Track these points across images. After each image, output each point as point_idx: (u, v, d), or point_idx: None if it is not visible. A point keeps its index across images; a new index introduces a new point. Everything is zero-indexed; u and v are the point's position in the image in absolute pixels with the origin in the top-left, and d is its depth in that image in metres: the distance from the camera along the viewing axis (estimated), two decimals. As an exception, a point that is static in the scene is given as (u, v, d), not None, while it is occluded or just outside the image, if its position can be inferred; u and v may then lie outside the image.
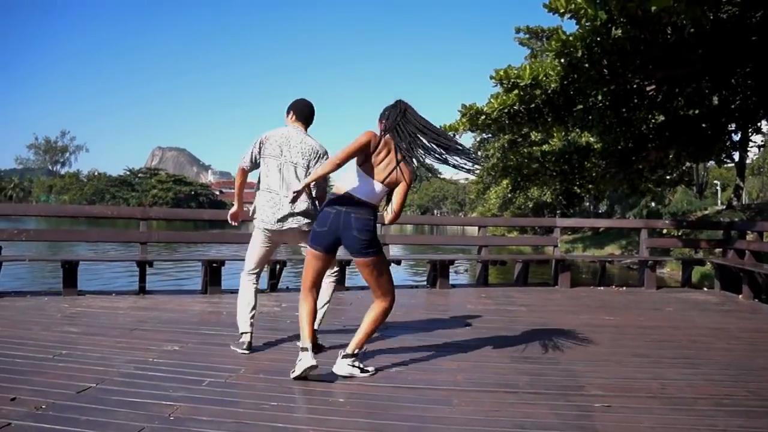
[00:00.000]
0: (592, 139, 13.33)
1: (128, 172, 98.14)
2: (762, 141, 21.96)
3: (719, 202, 33.87)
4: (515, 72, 9.59)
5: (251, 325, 4.30)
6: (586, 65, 9.06)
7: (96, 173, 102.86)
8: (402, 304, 6.77)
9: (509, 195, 31.19)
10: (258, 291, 4.44)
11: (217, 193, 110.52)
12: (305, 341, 3.59)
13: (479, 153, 43.43)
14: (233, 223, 4.79)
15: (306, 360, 3.50)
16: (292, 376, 3.53)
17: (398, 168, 3.59)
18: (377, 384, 3.58)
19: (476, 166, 3.67)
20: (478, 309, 6.55)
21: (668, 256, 11.34)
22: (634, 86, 10.69)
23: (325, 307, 4.31)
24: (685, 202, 26.83)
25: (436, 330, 5.26)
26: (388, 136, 3.58)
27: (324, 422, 2.93)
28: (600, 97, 10.68)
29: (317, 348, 4.05)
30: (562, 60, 9.13)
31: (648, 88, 10.79)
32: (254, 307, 4.34)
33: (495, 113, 10.09)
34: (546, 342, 4.83)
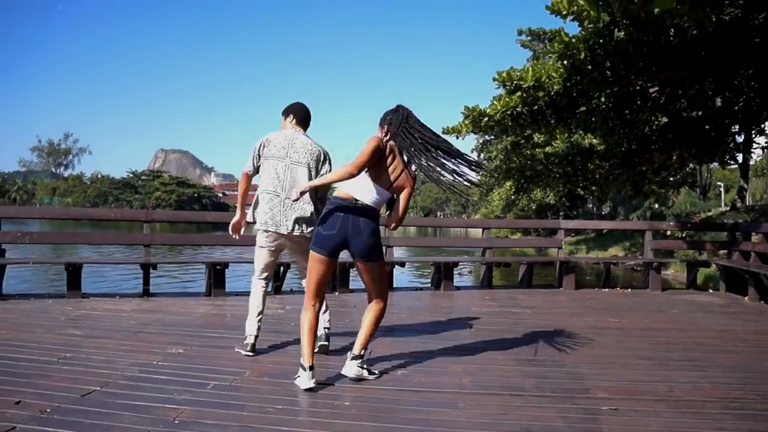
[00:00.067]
0: (595, 141, 13.29)
1: (131, 175, 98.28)
2: (765, 142, 21.89)
3: (723, 203, 33.76)
4: (518, 74, 9.58)
5: (257, 328, 4.29)
6: (589, 67, 9.06)
7: (99, 175, 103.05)
8: (406, 306, 6.80)
9: (512, 197, 31.13)
10: (267, 295, 4.43)
11: (220, 195, 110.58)
12: (305, 359, 3.48)
13: (481, 159, 43.52)
14: (235, 236, 4.63)
15: (304, 381, 3.43)
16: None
17: (403, 173, 3.60)
18: (382, 387, 3.57)
19: (478, 175, 3.68)
20: (483, 311, 6.54)
21: (672, 258, 11.29)
22: (637, 88, 10.68)
23: (327, 313, 4.30)
24: (689, 204, 26.76)
25: (440, 332, 5.25)
26: (392, 141, 3.57)
27: (329, 426, 2.92)
28: (603, 99, 10.67)
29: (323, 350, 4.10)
30: (565, 62, 9.13)
31: (651, 90, 10.79)
32: (261, 312, 4.33)
33: (498, 115, 10.09)
34: (551, 344, 4.81)
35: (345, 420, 2.99)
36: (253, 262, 4.46)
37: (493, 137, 35.56)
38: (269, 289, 7.35)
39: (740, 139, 14.65)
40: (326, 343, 4.31)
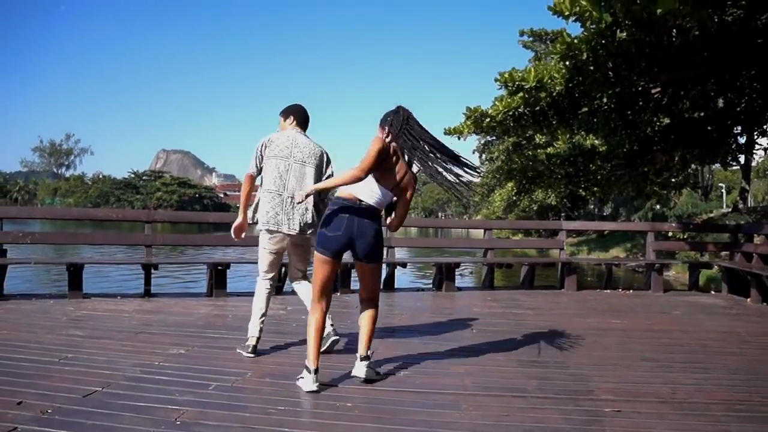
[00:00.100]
0: (597, 142, 13.27)
1: (133, 175, 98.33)
2: (768, 144, 21.86)
3: (724, 204, 33.72)
4: (520, 75, 9.56)
5: (260, 330, 4.28)
6: (591, 68, 9.04)
7: (101, 176, 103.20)
8: (408, 307, 6.79)
9: (514, 198, 31.10)
10: (271, 296, 4.41)
11: (222, 195, 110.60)
12: (310, 361, 3.46)
13: (482, 160, 43.45)
14: (235, 238, 4.58)
15: (307, 383, 3.42)
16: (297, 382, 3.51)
17: (406, 175, 3.60)
18: (384, 388, 3.55)
19: (475, 179, 3.69)
20: (485, 312, 6.53)
21: (674, 259, 11.27)
22: (639, 89, 10.66)
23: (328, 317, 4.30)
24: (691, 205, 26.71)
25: (442, 333, 5.24)
26: (394, 143, 3.56)
27: (331, 427, 2.91)
28: (605, 100, 10.65)
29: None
30: (567, 63, 9.10)
31: (653, 91, 10.76)
32: (264, 313, 4.32)
33: (500, 116, 10.06)
34: (553, 346, 4.80)
35: (347, 421, 2.98)
36: (255, 263, 4.45)
37: (494, 138, 35.58)
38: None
39: (742, 140, 14.62)
40: (337, 337, 4.34)
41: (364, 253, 3.57)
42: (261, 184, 4.35)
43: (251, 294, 4.44)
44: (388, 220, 3.74)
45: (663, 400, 3.47)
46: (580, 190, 15.71)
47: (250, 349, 4.20)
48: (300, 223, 4.24)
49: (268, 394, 3.36)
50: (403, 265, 8.47)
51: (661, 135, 11.75)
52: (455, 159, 3.61)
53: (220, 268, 7.16)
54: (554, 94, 9.62)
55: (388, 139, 3.54)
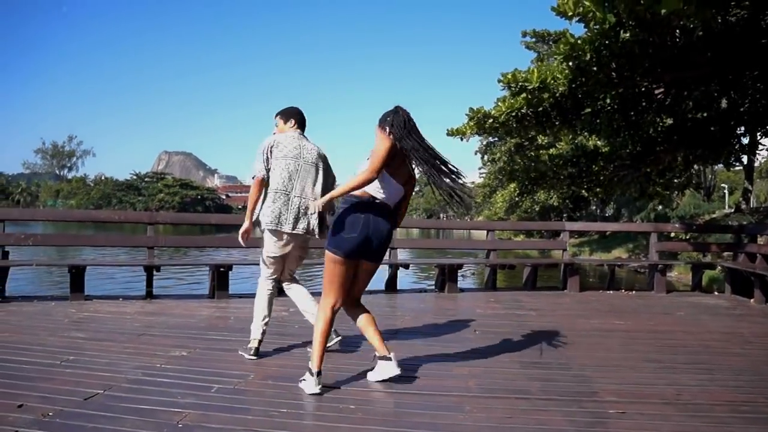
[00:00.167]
0: (599, 143, 13.27)
1: (135, 177, 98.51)
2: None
3: (727, 205, 33.68)
4: (523, 75, 9.55)
5: (262, 333, 4.26)
6: (595, 68, 9.03)
7: (103, 177, 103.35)
8: (411, 308, 6.78)
9: (516, 199, 31.07)
10: (273, 297, 4.39)
11: (224, 197, 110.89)
12: (314, 363, 3.43)
13: (485, 161, 43.30)
14: (244, 243, 4.46)
15: (310, 385, 3.40)
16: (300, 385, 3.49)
17: (411, 170, 3.60)
18: (387, 390, 3.54)
19: (464, 192, 3.67)
20: (487, 313, 6.51)
21: (677, 260, 11.25)
22: (643, 89, 10.65)
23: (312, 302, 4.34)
24: (693, 206, 26.71)
25: (445, 335, 5.21)
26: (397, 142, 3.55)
27: (334, 429, 2.89)
28: (608, 101, 10.65)
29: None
30: (570, 63, 9.10)
31: (656, 92, 10.75)
32: (267, 315, 4.30)
33: (502, 117, 10.06)
34: (557, 347, 4.78)
35: (350, 424, 2.96)
36: (257, 264, 4.43)
37: (496, 139, 35.58)
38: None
39: (746, 140, 14.61)
40: (340, 337, 4.38)
41: (375, 253, 3.57)
42: (267, 184, 4.32)
43: (253, 296, 4.42)
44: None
45: (667, 401, 3.45)
46: (583, 191, 15.71)
47: (252, 351, 4.18)
48: (305, 224, 4.24)
49: (270, 397, 3.35)
50: (406, 266, 8.45)
51: (664, 135, 11.75)
52: (445, 164, 3.60)
53: (222, 269, 7.15)
54: (557, 94, 9.62)
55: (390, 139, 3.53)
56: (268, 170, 4.25)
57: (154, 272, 7.34)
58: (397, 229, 4.31)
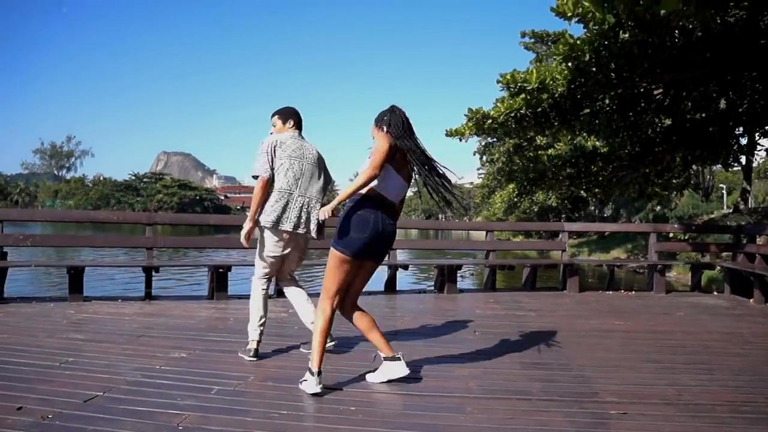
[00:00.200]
0: (598, 143, 13.27)
1: (133, 177, 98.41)
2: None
3: (725, 205, 33.70)
4: (522, 76, 9.54)
5: (260, 333, 4.25)
6: (594, 69, 9.02)
7: (101, 178, 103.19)
8: (410, 309, 6.77)
9: (515, 199, 31.09)
10: (268, 296, 4.38)
11: (222, 197, 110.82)
12: (314, 363, 3.41)
13: (483, 162, 43.35)
14: (246, 245, 4.39)
15: (311, 385, 3.38)
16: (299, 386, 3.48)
17: (410, 169, 3.62)
18: (388, 392, 3.53)
19: (455, 195, 3.74)
20: (487, 314, 6.50)
21: (676, 260, 11.25)
22: (642, 90, 10.65)
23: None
24: (691, 206, 26.71)
25: (445, 336, 5.21)
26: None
27: (334, 431, 2.88)
28: (607, 101, 10.65)
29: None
30: (570, 64, 9.09)
31: (655, 92, 10.76)
32: (264, 315, 4.29)
33: (501, 117, 10.05)
34: (557, 348, 4.78)
35: (351, 425, 2.95)
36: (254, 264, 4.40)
37: (495, 140, 35.57)
38: (271, 291, 7.35)
39: (744, 141, 14.62)
40: (335, 341, 4.36)
41: (380, 253, 3.60)
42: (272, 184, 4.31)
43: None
44: None
45: (668, 401, 3.45)
46: (582, 192, 15.71)
47: (251, 353, 4.17)
48: (306, 223, 4.25)
49: (270, 398, 3.34)
50: (405, 267, 8.45)
51: (662, 136, 11.75)
52: (436, 167, 3.66)
53: (221, 270, 7.14)
54: (556, 95, 9.61)
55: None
56: (273, 170, 4.23)
57: (153, 273, 7.32)
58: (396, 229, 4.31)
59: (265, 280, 4.35)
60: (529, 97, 9.66)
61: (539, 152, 18.23)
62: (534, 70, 9.55)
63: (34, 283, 11.06)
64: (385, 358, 3.66)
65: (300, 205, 4.22)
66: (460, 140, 11.02)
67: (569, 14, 7.93)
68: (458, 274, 8.34)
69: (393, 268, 8.17)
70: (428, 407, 3.26)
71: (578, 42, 8.67)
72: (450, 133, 11.02)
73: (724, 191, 41.48)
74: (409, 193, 4.00)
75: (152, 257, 7.34)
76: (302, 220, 4.23)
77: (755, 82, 11.03)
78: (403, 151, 3.52)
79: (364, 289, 3.81)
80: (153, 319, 5.74)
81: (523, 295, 8.17)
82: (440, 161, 3.66)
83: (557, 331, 5.47)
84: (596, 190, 14.10)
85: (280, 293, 7.42)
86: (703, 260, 11.49)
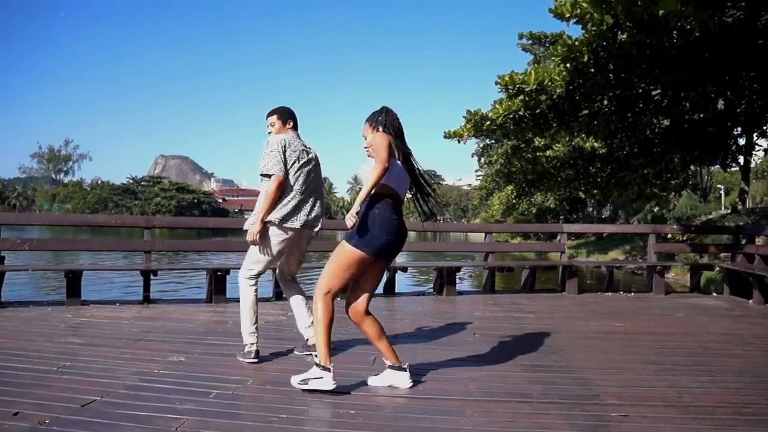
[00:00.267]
0: (597, 145, 13.28)
1: (131, 181, 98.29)
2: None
3: (723, 206, 33.76)
4: (520, 77, 9.55)
5: (257, 336, 4.22)
6: (592, 70, 9.03)
7: (99, 182, 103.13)
8: (409, 311, 6.75)
9: (513, 201, 31.12)
10: (258, 297, 4.35)
11: (220, 200, 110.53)
12: (324, 358, 3.41)
13: (482, 163, 43.52)
14: (258, 244, 4.25)
15: (327, 382, 3.37)
16: (301, 388, 3.45)
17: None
18: (387, 395, 3.51)
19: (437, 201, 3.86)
20: (486, 316, 6.49)
21: (674, 261, 11.25)
22: (640, 91, 10.66)
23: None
24: (690, 207, 26.77)
25: (444, 338, 5.19)
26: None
27: (334, 435, 2.87)
28: (605, 102, 10.65)
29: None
30: (568, 65, 9.09)
31: (654, 93, 10.77)
32: (256, 316, 4.27)
33: (500, 119, 10.06)
34: (556, 349, 4.76)
35: (350, 429, 2.93)
36: None
37: (493, 141, 35.60)
38: (270, 294, 7.34)
39: (742, 141, 14.64)
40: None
41: (396, 251, 3.63)
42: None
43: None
44: None
45: (669, 403, 3.43)
46: (580, 193, 15.72)
47: (252, 355, 4.15)
48: (314, 221, 4.30)
49: (269, 402, 3.31)
50: (404, 269, 8.43)
51: (661, 137, 11.76)
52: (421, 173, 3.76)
53: (219, 273, 7.12)
54: (554, 96, 9.61)
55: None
56: (287, 170, 4.19)
57: (152, 277, 7.29)
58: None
59: (255, 280, 4.30)
60: (527, 99, 9.66)
61: (538, 154, 18.26)
62: (532, 72, 9.56)
63: (32, 287, 11.03)
64: (390, 367, 3.64)
65: (310, 204, 4.26)
66: (459, 142, 11.04)
67: (567, 15, 7.93)
68: (457, 276, 8.33)
69: (392, 271, 8.15)
70: (428, 410, 3.24)
71: (576, 43, 8.68)
72: (448, 135, 11.03)
73: (722, 192, 41.56)
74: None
75: (150, 261, 7.31)
76: (311, 219, 4.26)
77: (753, 83, 11.05)
78: (400, 152, 3.54)
79: (375, 289, 3.79)
80: (151, 322, 5.71)
81: (522, 296, 8.16)
82: (435, 165, 3.69)
83: (557, 333, 5.46)
84: (595, 191, 14.13)
85: (278, 296, 7.42)
86: (702, 261, 11.48)
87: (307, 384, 3.42)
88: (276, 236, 4.20)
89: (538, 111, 9.99)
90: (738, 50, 9.30)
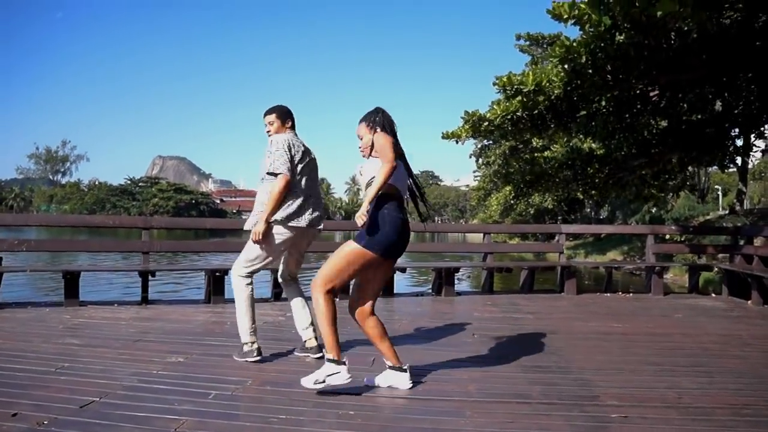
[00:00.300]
0: (594, 145, 13.30)
1: (129, 181, 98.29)
2: (765, 146, 21.93)
3: (721, 207, 33.84)
4: (518, 78, 9.56)
5: (255, 334, 4.22)
6: (590, 71, 9.04)
7: (96, 182, 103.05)
8: (408, 312, 6.74)
9: (511, 201, 31.12)
10: (254, 294, 4.34)
11: (218, 201, 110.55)
12: (334, 352, 3.40)
13: (479, 164, 43.58)
14: (261, 245, 4.21)
15: (342, 377, 3.38)
16: (317, 388, 3.41)
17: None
18: (387, 396, 3.50)
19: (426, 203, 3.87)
20: (485, 317, 6.49)
21: (672, 262, 11.25)
22: (638, 92, 10.68)
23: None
24: (687, 208, 26.79)
25: (443, 339, 5.19)
26: None
27: (334, 436, 2.86)
28: (603, 103, 10.67)
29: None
30: (566, 66, 9.10)
31: (651, 94, 10.79)
32: (253, 316, 4.26)
33: (498, 120, 10.07)
34: (556, 350, 4.76)
35: (350, 430, 2.93)
36: None
37: (491, 142, 35.64)
38: (269, 294, 7.33)
39: (740, 142, 14.66)
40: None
41: (402, 251, 3.62)
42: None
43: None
44: None
45: (669, 404, 3.43)
46: (578, 194, 15.74)
47: (254, 354, 4.14)
48: (317, 221, 4.30)
49: (269, 403, 3.30)
50: (402, 270, 8.42)
51: (659, 138, 11.78)
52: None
53: (218, 274, 7.11)
54: (552, 97, 9.62)
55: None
56: (294, 169, 4.18)
57: (150, 277, 7.28)
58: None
59: (250, 279, 4.28)
60: (525, 100, 9.67)
61: (536, 154, 18.28)
62: (530, 73, 9.57)
63: (30, 288, 11.00)
64: (391, 367, 3.64)
65: (312, 204, 4.27)
66: (457, 143, 11.05)
67: (565, 16, 7.95)
68: (456, 277, 8.33)
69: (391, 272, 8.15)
70: (428, 411, 3.23)
71: (574, 44, 8.69)
72: (446, 136, 11.04)
73: (719, 192, 41.64)
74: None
75: (148, 261, 7.30)
76: (314, 219, 4.27)
77: (750, 84, 11.07)
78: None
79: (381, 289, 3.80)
80: (150, 323, 5.70)
81: (521, 297, 8.16)
82: (433, 166, 3.72)
83: (556, 334, 5.46)
84: (593, 192, 14.14)
85: (277, 296, 7.41)
86: (701, 262, 11.49)
87: (323, 382, 3.39)
88: (280, 235, 4.19)
89: (536, 112, 10.00)
90: (736, 52, 9.32)
